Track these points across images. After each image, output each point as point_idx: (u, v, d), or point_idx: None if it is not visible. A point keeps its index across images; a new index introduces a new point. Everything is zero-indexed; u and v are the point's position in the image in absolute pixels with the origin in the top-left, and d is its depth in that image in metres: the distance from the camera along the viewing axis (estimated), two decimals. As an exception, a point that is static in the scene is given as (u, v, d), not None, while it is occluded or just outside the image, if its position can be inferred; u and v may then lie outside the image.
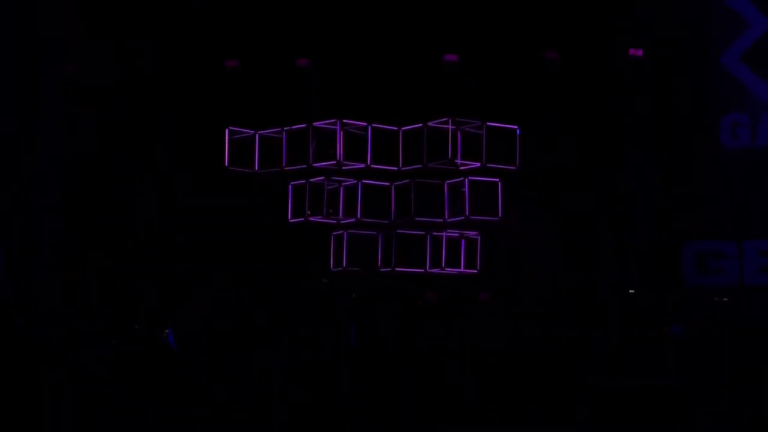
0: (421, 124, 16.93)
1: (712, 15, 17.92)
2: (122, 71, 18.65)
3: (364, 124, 16.93)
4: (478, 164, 16.84)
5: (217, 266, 17.78)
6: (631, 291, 17.16)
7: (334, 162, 16.81)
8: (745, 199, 17.53)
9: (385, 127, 17.04)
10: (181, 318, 16.00)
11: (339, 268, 17.26)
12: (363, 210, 17.11)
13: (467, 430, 14.46)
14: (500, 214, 16.92)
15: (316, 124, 16.89)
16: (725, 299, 17.38)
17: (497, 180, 16.99)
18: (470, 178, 16.93)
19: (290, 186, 17.19)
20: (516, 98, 17.83)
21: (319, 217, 17.04)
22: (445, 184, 17.03)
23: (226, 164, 17.15)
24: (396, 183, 17.19)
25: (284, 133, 17.09)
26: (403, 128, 17.10)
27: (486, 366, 15.08)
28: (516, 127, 16.98)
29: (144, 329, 17.03)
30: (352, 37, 18.12)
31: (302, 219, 17.07)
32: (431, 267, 17.22)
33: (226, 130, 17.16)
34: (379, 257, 17.19)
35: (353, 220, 17.12)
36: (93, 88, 18.80)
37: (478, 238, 17.28)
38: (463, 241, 17.27)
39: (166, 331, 15.80)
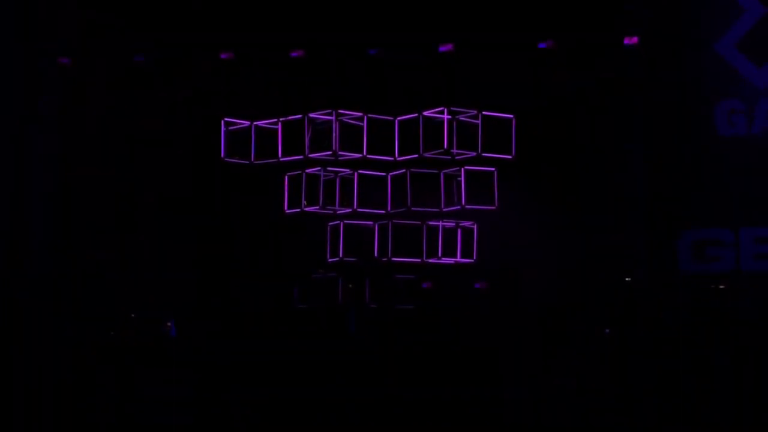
0: (416, 114, 16.88)
1: (707, 1, 17.89)
2: (119, 65, 18.75)
3: (360, 114, 16.89)
4: (474, 154, 16.79)
5: (213, 261, 17.91)
6: (627, 279, 17.16)
7: (330, 152, 16.78)
8: (742, 187, 17.51)
9: (380, 117, 17.00)
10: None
11: (336, 259, 17.26)
12: (359, 200, 17.11)
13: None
14: (496, 204, 16.89)
15: (311, 114, 16.85)
16: (722, 286, 17.40)
17: (493, 169, 16.95)
18: (466, 167, 16.90)
19: (286, 177, 17.17)
20: (511, 87, 17.84)
21: (315, 207, 17.03)
22: (441, 174, 17.01)
23: (222, 156, 17.14)
24: (392, 173, 17.16)
25: (280, 124, 17.07)
26: (398, 118, 17.05)
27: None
28: (512, 116, 16.90)
29: (141, 319, 17.08)
30: (347, 25, 18.14)
31: (298, 210, 17.05)
32: (428, 257, 17.20)
33: (222, 122, 17.15)
34: (376, 247, 17.19)
35: (349, 210, 17.11)
36: (90, 82, 18.87)
37: (475, 227, 17.27)
38: (459, 231, 17.27)
39: (169, 324, 15.85)
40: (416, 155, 16.97)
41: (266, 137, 17.21)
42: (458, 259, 17.23)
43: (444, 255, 17.16)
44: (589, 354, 16.03)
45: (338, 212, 17.16)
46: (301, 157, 16.93)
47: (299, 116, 16.96)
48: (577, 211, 17.45)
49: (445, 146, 16.74)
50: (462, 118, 16.85)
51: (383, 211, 17.20)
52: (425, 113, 16.84)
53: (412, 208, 17.09)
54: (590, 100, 17.72)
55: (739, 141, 17.70)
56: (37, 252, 18.42)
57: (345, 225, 17.18)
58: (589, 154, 17.60)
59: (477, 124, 16.86)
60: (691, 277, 17.57)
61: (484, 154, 16.84)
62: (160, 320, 17.04)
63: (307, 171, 16.98)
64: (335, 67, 17.84)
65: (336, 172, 17.09)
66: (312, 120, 16.86)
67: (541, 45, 18.24)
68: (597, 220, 17.59)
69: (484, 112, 16.87)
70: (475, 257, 17.22)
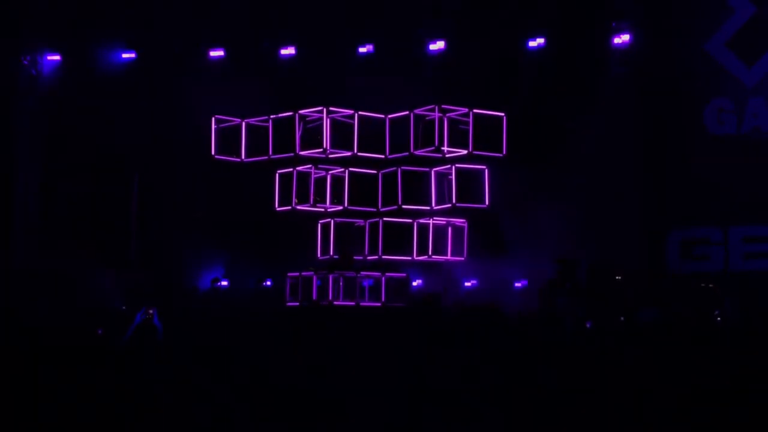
0: (407, 112, 16.70)
1: (697, 1, 17.96)
2: (106, 61, 18.72)
3: (351, 111, 16.71)
4: (465, 152, 16.62)
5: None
6: (617, 278, 17.14)
7: (320, 150, 16.60)
8: (731, 185, 17.56)
9: (371, 114, 16.84)
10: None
11: (326, 256, 17.14)
12: (350, 198, 16.94)
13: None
14: (487, 202, 16.78)
15: (302, 111, 16.66)
16: (710, 285, 17.40)
17: (484, 167, 16.82)
18: (457, 165, 16.76)
19: (277, 174, 17.02)
20: (502, 85, 17.85)
21: (306, 205, 16.87)
22: (432, 172, 16.89)
23: (213, 153, 16.98)
24: (383, 171, 17.03)
25: (270, 122, 16.88)
26: (389, 116, 16.87)
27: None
28: (503, 114, 16.74)
29: (131, 312, 16.91)
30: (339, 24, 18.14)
31: (289, 207, 16.88)
32: (418, 254, 17.10)
33: (212, 119, 17.00)
34: (366, 245, 17.06)
35: (340, 208, 16.97)
36: (77, 78, 18.80)
37: (465, 225, 17.19)
38: (449, 229, 17.19)
39: (151, 311, 15.52)
40: (407, 153, 16.77)
41: (257, 135, 17.02)
42: (449, 257, 17.16)
43: (435, 253, 17.06)
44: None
45: (329, 210, 17.03)
46: (292, 154, 16.72)
47: (290, 113, 16.73)
48: (566, 209, 17.46)
49: (436, 144, 16.50)
50: (453, 116, 16.63)
51: (374, 209, 17.05)
52: (416, 111, 16.62)
53: (403, 206, 16.92)
54: (580, 98, 17.77)
55: (729, 140, 17.78)
56: (21, 246, 18.47)
57: (336, 223, 17.08)
58: (579, 152, 17.64)
59: (468, 122, 16.65)
60: (679, 275, 17.64)
61: (475, 152, 16.63)
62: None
63: (298, 169, 16.78)
64: (326, 63, 17.81)
65: (327, 170, 16.92)
66: (303, 117, 16.66)
67: (531, 43, 18.28)
68: (586, 216, 17.63)
69: (474, 110, 16.62)
70: (465, 255, 17.12)
